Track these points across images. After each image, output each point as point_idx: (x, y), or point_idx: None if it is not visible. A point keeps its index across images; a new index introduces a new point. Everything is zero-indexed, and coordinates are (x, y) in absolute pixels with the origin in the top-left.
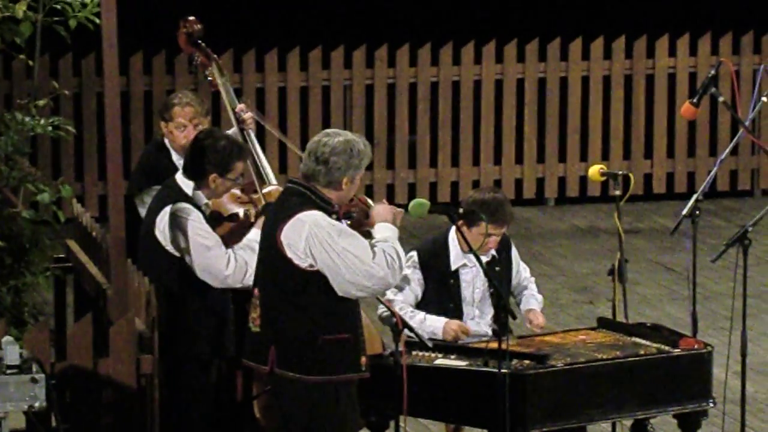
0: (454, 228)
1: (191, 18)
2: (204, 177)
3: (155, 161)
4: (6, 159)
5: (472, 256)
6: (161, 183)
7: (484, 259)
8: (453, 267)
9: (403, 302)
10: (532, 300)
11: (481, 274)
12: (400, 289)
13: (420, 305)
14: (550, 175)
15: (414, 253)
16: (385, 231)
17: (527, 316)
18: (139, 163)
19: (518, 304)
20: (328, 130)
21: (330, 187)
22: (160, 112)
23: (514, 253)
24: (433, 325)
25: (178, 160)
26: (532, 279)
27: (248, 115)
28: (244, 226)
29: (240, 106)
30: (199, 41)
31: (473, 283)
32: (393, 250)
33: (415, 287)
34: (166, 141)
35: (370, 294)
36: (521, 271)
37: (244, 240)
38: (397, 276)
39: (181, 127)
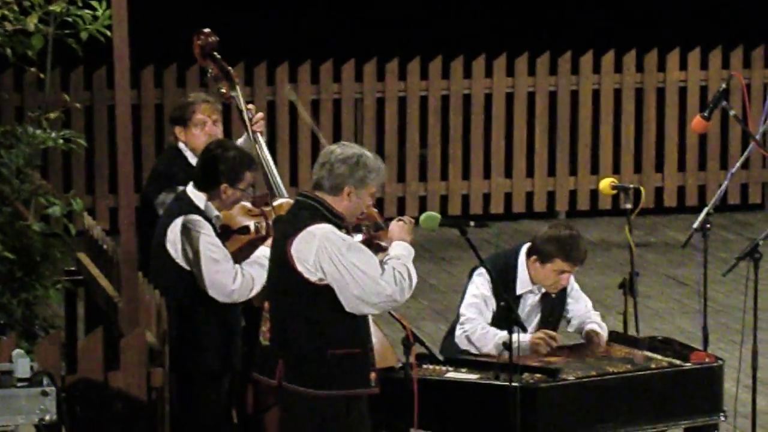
0: (523, 252)
1: (206, 30)
2: (215, 187)
3: (171, 167)
4: (17, 172)
5: (538, 284)
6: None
7: (543, 289)
8: (518, 292)
9: (484, 321)
10: (595, 325)
11: (541, 303)
12: (479, 311)
13: None
14: (560, 189)
15: (484, 272)
16: (399, 249)
17: (589, 335)
18: (154, 173)
19: (580, 332)
20: (343, 142)
21: (333, 194)
22: (178, 117)
23: (574, 285)
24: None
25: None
26: (598, 313)
27: (259, 115)
28: (256, 240)
29: (250, 106)
30: (214, 53)
31: (533, 311)
32: (404, 268)
33: (492, 306)
34: (181, 147)
35: (378, 311)
36: (587, 303)
37: (253, 255)
38: (405, 294)
39: (201, 124)
